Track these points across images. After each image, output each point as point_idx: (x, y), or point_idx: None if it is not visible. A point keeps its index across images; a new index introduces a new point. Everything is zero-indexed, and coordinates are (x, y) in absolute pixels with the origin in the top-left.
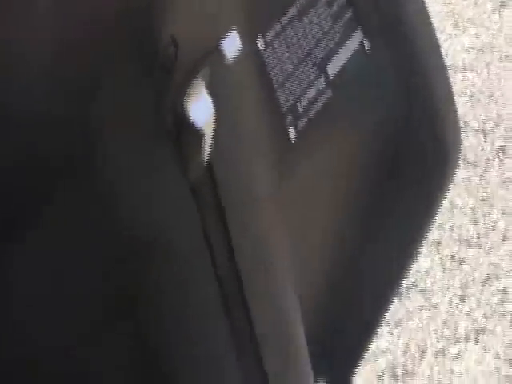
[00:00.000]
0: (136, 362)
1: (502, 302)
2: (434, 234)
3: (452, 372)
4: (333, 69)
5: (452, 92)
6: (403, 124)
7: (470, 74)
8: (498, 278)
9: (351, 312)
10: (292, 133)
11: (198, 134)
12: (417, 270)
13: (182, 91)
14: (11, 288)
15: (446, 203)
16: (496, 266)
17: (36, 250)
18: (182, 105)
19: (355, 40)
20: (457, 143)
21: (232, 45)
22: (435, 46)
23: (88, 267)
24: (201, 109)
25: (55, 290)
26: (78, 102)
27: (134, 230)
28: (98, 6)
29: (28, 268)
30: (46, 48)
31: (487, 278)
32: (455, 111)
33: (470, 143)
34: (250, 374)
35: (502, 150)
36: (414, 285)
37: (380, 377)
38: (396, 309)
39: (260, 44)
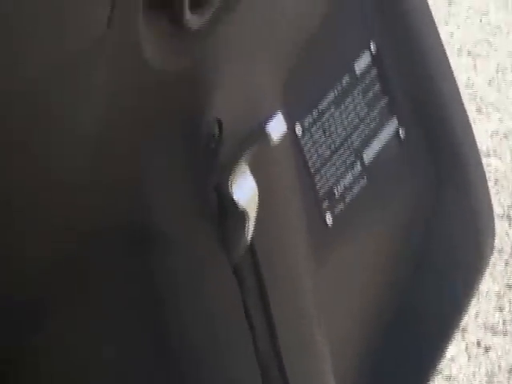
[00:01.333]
0: None
1: None
2: None
3: None
4: (368, 155)
5: (486, 183)
6: (433, 214)
7: (493, 160)
8: None
9: None
10: (329, 218)
11: (241, 215)
12: None
13: (226, 172)
14: None
15: None
16: None
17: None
18: (227, 185)
19: (390, 127)
20: (490, 235)
21: (277, 127)
22: (469, 133)
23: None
24: (245, 190)
25: None
26: (128, 185)
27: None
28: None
29: None
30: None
31: None
32: (489, 200)
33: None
34: None
35: None
36: (439, 371)
37: None
38: None
39: (298, 130)
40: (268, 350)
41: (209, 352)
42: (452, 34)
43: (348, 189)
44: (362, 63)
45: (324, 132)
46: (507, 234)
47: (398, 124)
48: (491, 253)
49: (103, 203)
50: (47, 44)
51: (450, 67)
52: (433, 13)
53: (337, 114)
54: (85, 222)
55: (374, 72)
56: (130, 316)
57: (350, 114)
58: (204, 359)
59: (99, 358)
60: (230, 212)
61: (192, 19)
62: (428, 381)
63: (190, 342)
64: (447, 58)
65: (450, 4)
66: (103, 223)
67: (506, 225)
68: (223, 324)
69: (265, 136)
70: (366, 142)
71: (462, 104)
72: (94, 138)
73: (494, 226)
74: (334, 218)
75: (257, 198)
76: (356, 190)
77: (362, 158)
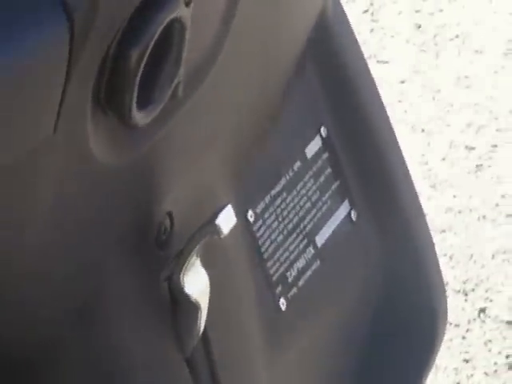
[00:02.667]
0: None
1: None
2: None
3: None
4: (321, 239)
5: (436, 257)
6: (387, 291)
7: (449, 235)
8: None
9: None
10: (283, 303)
11: (193, 307)
12: None
13: (178, 265)
14: None
15: None
16: None
17: None
18: (178, 278)
19: (342, 210)
20: (443, 311)
21: (227, 219)
22: (419, 211)
23: None
24: (196, 282)
25: None
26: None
27: None
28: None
29: None
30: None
31: None
32: (441, 278)
33: (450, 304)
34: None
35: (483, 310)
36: None
37: None
38: None
39: (250, 216)
40: None
41: None
42: (405, 112)
43: (301, 273)
44: (312, 148)
45: (277, 217)
46: (463, 309)
47: (350, 206)
48: (444, 330)
49: (55, 291)
50: None
51: (398, 146)
52: (385, 91)
53: (289, 198)
54: (37, 309)
55: (324, 156)
56: None
57: (302, 198)
58: None
59: None
60: (182, 304)
61: (139, 117)
62: None
63: None
64: (395, 137)
65: (402, 82)
66: (56, 310)
67: (463, 300)
68: None
69: (215, 228)
70: (319, 225)
71: (411, 182)
72: (42, 232)
73: (446, 303)
74: (288, 302)
75: (208, 289)
76: (309, 273)
77: (314, 242)
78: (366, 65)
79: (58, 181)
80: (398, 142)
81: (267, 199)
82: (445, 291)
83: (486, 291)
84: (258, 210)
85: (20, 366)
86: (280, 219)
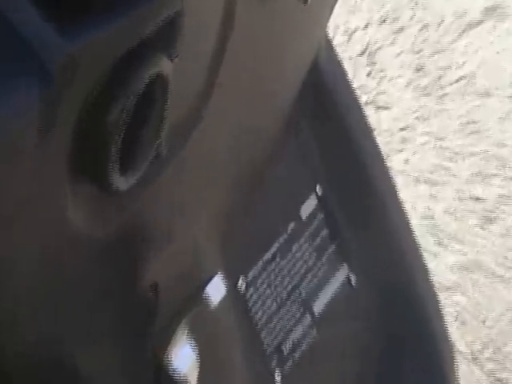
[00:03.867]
0: None
1: None
2: None
3: None
4: (319, 306)
5: (446, 328)
6: (392, 356)
7: (456, 296)
8: None
9: None
10: (278, 375)
11: (181, 382)
12: None
13: (163, 341)
14: None
15: None
16: None
17: None
18: (163, 355)
19: (341, 274)
20: (454, 378)
21: (216, 289)
22: (426, 273)
23: None
24: (183, 356)
25: None
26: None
27: None
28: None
29: None
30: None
31: None
32: (451, 346)
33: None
34: None
35: (492, 373)
36: None
37: None
38: None
39: (241, 284)
40: None
41: None
42: (407, 162)
43: (297, 344)
44: (308, 207)
45: (270, 284)
46: (473, 372)
47: (349, 270)
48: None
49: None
50: None
51: (399, 200)
52: (385, 139)
53: (283, 263)
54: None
55: (320, 216)
56: None
57: (297, 262)
58: None
59: None
60: (170, 380)
61: (119, 182)
62: None
63: None
64: (395, 190)
65: (403, 129)
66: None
67: (472, 363)
68: None
69: (203, 300)
70: (316, 291)
71: (414, 238)
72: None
73: (457, 370)
74: (283, 375)
75: (197, 364)
76: (306, 344)
77: (311, 310)
78: (362, 112)
79: (36, 267)
80: (398, 196)
81: (260, 265)
82: (454, 357)
83: (495, 352)
84: (250, 277)
85: None
86: (274, 286)
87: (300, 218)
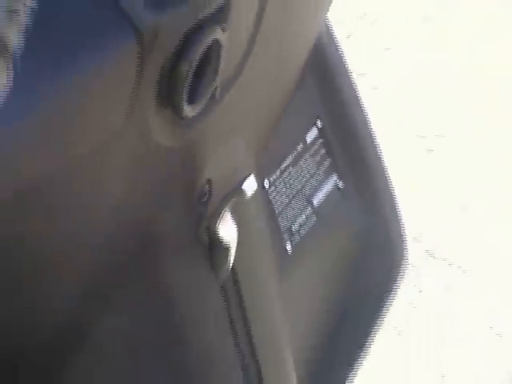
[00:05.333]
0: None
1: None
2: None
3: None
4: (317, 200)
5: (400, 216)
6: (364, 236)
7: None
8: None
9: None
10: (289, 247)
11: (225, 249)
12: None
13: (214, 218)
14: None
15: None
16: None
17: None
18: (214, 228)
19: (332, 180)
20: (403, 251)
21: (250, 185)
22: (386, 178)
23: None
24: (228, 230)
25: None
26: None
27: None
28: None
29: None
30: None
31: None
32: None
33: None
34: None
35: None
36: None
37: None
38: None
39: (266, 184)
40: (247, 347)
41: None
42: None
43: (302, 225)
44: (311, 135)
45: (285, 185)
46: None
47: (338, 178)
48: (403, 262)
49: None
50: (72, 137)
51: (374, 138)
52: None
53: (294, 171)
54: (98, 279)
55: (320, 141)
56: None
57: (303, 171)
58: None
59: None
60: (218, 247)
61: (188, 110)
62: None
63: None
64: (372, 132)
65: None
66: (116, 276)
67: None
68: (212, 329)
69: (241, 192)
70: (315, 191)
71: (383, 162)
72: (113, 209)
73: (406, 252)
74: (293, 247)
75: (236, 235)
76: (308, 225)
77: (312, 203)
78: (349, 74)
79: (127, 164)
80: (374, 136)
81: (278, 171)
82: (405, 237)
83: None
84: (272, 179)
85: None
86: (287, 186)
87: (305, 141)
